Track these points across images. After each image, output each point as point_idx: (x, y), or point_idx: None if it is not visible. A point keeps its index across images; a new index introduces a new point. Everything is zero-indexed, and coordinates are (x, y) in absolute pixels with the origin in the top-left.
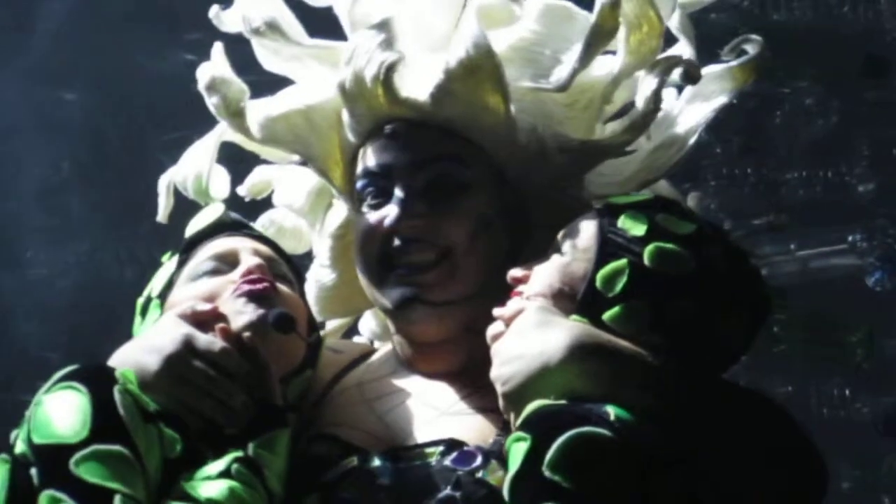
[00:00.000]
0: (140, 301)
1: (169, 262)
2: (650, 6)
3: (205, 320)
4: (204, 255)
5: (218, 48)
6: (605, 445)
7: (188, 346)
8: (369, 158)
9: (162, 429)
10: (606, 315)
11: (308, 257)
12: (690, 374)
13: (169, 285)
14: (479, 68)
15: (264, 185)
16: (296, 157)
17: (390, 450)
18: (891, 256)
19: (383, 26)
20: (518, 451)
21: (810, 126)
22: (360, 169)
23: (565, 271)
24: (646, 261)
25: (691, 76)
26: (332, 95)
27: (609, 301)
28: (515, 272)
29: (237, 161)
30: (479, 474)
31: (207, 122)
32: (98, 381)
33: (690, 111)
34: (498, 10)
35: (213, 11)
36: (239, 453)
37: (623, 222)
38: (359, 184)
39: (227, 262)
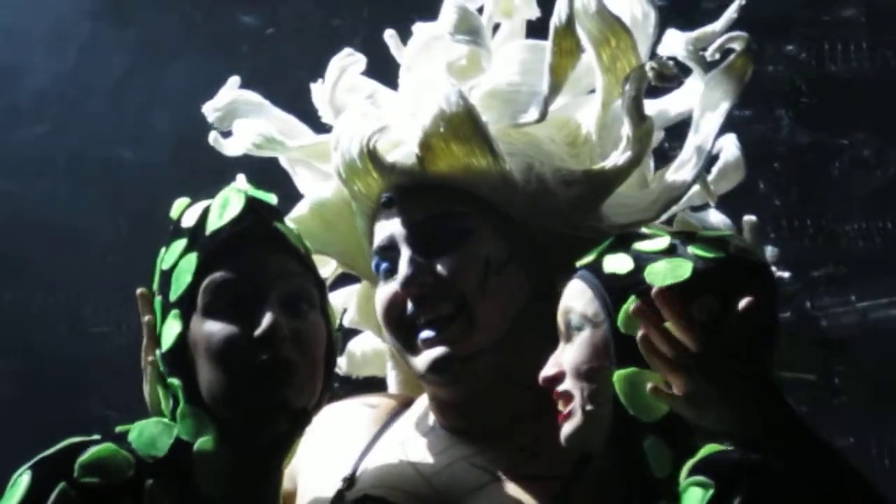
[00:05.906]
0: (156, 284)
1: (185, 261)
2: (611, 18)
3: None
4: (223, 283)
5: None
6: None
7: None
8: (376, 236)
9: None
10: None
11: None
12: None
13: (189, 297)
14: (454, 118)
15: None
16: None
17: None
18: None
19: (362, 104)
20: (695, 496)
21: (868, 177)
22: (372, 249)
23: (590, 345)
24: (652, 283)
25: (663, 75)
26: (336, 187)
27: None
28: (547, 373)
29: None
30: None
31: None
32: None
33: (701, 124)
34: (467, 62)
35: (213, 137)
36: None
37: (607, 265)
38: (373, 263)
39: (248, 296)
